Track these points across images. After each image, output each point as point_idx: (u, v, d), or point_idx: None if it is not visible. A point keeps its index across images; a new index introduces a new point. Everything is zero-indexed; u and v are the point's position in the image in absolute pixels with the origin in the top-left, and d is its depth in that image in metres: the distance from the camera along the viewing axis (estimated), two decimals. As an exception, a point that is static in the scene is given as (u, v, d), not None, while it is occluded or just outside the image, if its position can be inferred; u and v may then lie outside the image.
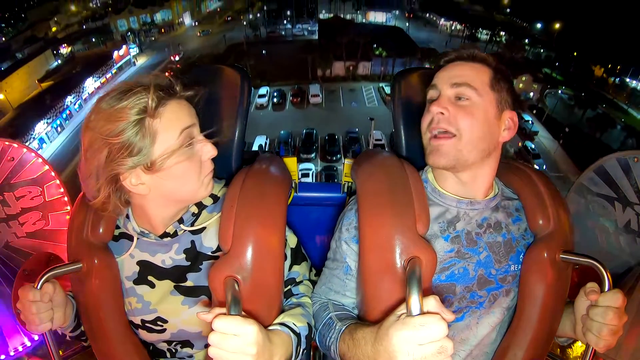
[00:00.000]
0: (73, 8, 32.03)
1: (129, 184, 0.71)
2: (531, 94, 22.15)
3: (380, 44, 26.60)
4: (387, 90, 23.94)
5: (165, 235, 0.80)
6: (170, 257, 0.81)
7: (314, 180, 16.40)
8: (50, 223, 1.23)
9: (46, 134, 19.46)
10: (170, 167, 0.71)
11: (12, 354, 1.17)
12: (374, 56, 26.72)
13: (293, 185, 1.10)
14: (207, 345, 0.83)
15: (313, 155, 18.59)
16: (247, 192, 0.75)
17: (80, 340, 0.92)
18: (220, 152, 1.00)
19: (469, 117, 0.77)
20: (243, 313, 0.61)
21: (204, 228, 0.83)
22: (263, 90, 24.12)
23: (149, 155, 0.69)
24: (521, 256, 0.84)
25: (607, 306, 0.70)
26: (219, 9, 38.18)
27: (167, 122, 0.71)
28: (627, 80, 22.15)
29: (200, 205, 0.83)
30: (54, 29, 29.63)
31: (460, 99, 0.79)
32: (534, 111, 21.06)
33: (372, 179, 0.81)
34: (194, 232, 0.82)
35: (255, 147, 17.66)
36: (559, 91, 22.91)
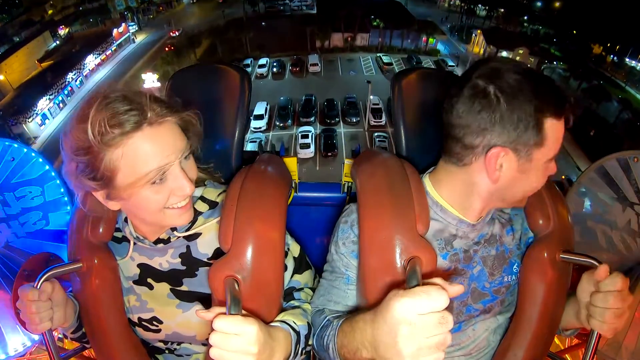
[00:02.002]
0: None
1: (100, 198, 0.68)
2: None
3: (378, 16, 27.23)
4: (385, 59, 24.84)
5: (159, 241, 0.79)
6: (166, 260, 0.81)
7: (313, 142, 16.84)
8: (50, 223, 1.23)
9: (49, 110, 19.68)
10: (130, 197, 0.66)
11: (12, 354, 1.17)
12: (371, 27, 27.33)
13: (293, 185, 1.10)
14: (205, 345, 0.84)
15: (312, 119, 19.05)
16: (247, 192, 0.75)
17: (82, 342, 0.93)
18: (220, 152, 1.00)
19: None
20: (243, 312, 0.61)
21: (199, 234, 0.80)
22: (263, 60, 24.93)
23: (109, 185, 0.64)
24: (514, 267, 0.83)
25: (608, 290, 0.69)
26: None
27: (128, 161, 0.62)
28: (627, 60, 22.10)
29: (195, 212, 0.80)
30: (50, 11, 29.41)
31: None
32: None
33: (372, 179, 0.81)
34: (188, 238, 0.80)
35: (256, 113, 18.20)
36: (557, 68, 23.02)
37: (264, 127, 18.37)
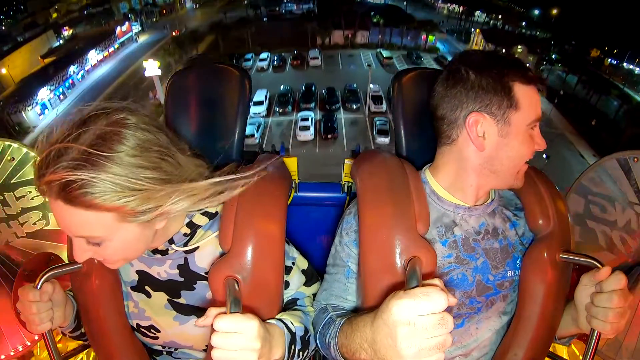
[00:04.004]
0: (73, -5, 32.39)
1: None
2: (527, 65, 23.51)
3: (378, 14, 28.19)
4: (385, 54, 25.42)
5: (157, 251, 0.78)
6: (164, 270, 0.80)
7: (313, 125, 16.90)
8: (50, 223, 1.23)
9: (49, 100, 19.76)
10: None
11: (12, 353, 1.17)
12: (372, 25, 28.12)
13: (293, 185, 1.10)
14: (205, 350, 0.83)
15: (312, 105, 19.22)
16: (247, 193, 0.75)
17: (80, 340, 0.93)
18: (220, 152, 1.00)
19: None
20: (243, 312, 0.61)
21: (197, 247, 0.79)
22: (264, 55, 25.43)
23: None
24: (518, 262, 0.83)
25: (612, 290, 0.69)
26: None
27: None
28: (624, 65, 22.52)
29: (193, 225, 0.78)
30: (54, 15, 29.92)
31: None
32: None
33: (372, 178, 0.81)
34: (187, 250, 0.79)
35: (256, 99, 18.27)
36: (555, 70, 23.55)
37: (264, 113, 18.38)
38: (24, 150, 1.20)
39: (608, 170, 1.15)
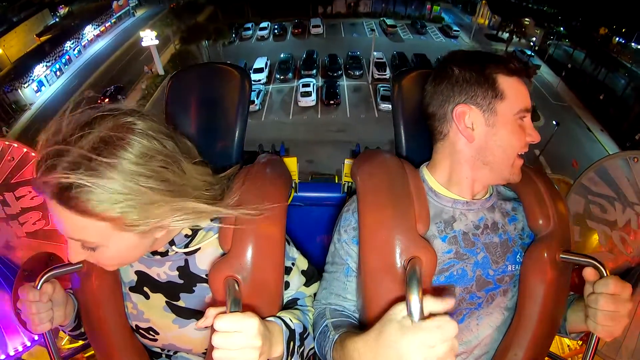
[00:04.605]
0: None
1: None
2: (533, 38, 22.87)
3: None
4: (388, 22, 25.05)
5: (156, 252, 0.77)
6: (164, 271, 0.79)
7: (315, 91, 16.73)
8: (50, 223, 1.23)
9: (45, 77, 19.55)
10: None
11: (12, 354, 1.17)
12: None
13: (293, 185, 1.10)
14: (204, 354, 0.83)
15: (314, 72, 18.99)
16: (247, 193, 0.75)
17: (80, 339, 0.93)
18: (220, 152, 1.00)
19: None
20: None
21: (198, 249, 0.78)
22: (264, 24, 25.11)
23: None
24: (518, 256, 0.83)
25: (599, 292, 0.71)
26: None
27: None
28: (633, 45, 22.02)
29: (194, 227, 0.77)
30: None
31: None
32: (536, 49, 21.82)
33: (372, 178, 0.81)
34: (187, 252, 0.77)
35: (256, 66, 18.17)
36: (562, 45, 23.20)
37: (264, 81, 18.15)
38: (24, 150, 1.20)
39: (608, 170, 1.15)
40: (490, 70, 0.76)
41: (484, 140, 0.77)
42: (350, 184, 1.25)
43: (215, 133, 1.00)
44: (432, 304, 0.54)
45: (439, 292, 0.79)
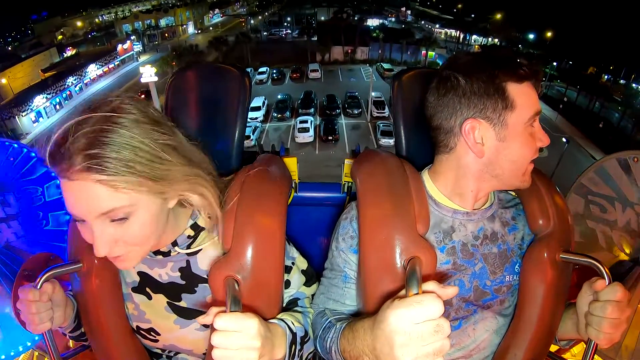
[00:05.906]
0: (79, 24, 33.83)
1: None
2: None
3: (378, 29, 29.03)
4: (385, 66, 25.66)
5: (158, 252, 0.77)
6: (166, 272, 0.79)
7: (312, 128, 16.72)
8: (50, 223, 1.23)
9: (44, 108, 19.88)
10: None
11: (12, 354, 1.16)
12: (371, 40, 28.75)
13: (293, 185, 1.10)
14: (205, 355, 0.83)
15: (312, 110, 18.93)
16: (247, 193, 0.75)
17: (80, 341, 0.93)
18: (220, 152, 1.00)
19: None
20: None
21: (200, 249, 0.78)
22: (263, 68, 25.57)
23: None
24: (516, 267, 0.83)
25: (606, 300, 0.69)
26: (220, 24, 41.51)
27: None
28: (621, 81, 23.40)
29: (197, 227, 0.78)
30: (59, 37, 31.02)
31: None
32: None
33: (372, 179, 0.81)
34: (189, 253, 0.78)
35: (253, 105, 18.13)
36: (555, 85, 24.47)
37: (261, 119, 18.15)
38: (24, 150, 1.20)
39: (608, 170, 1.15)
40: (500, 80, 0.71)
41: (494, 155, 0.74)
42: (350, 184, 1.25)
43: (215, 132, 1.00)
44: (431, 288, 0.54)
45: (440, 277, 0.79)
